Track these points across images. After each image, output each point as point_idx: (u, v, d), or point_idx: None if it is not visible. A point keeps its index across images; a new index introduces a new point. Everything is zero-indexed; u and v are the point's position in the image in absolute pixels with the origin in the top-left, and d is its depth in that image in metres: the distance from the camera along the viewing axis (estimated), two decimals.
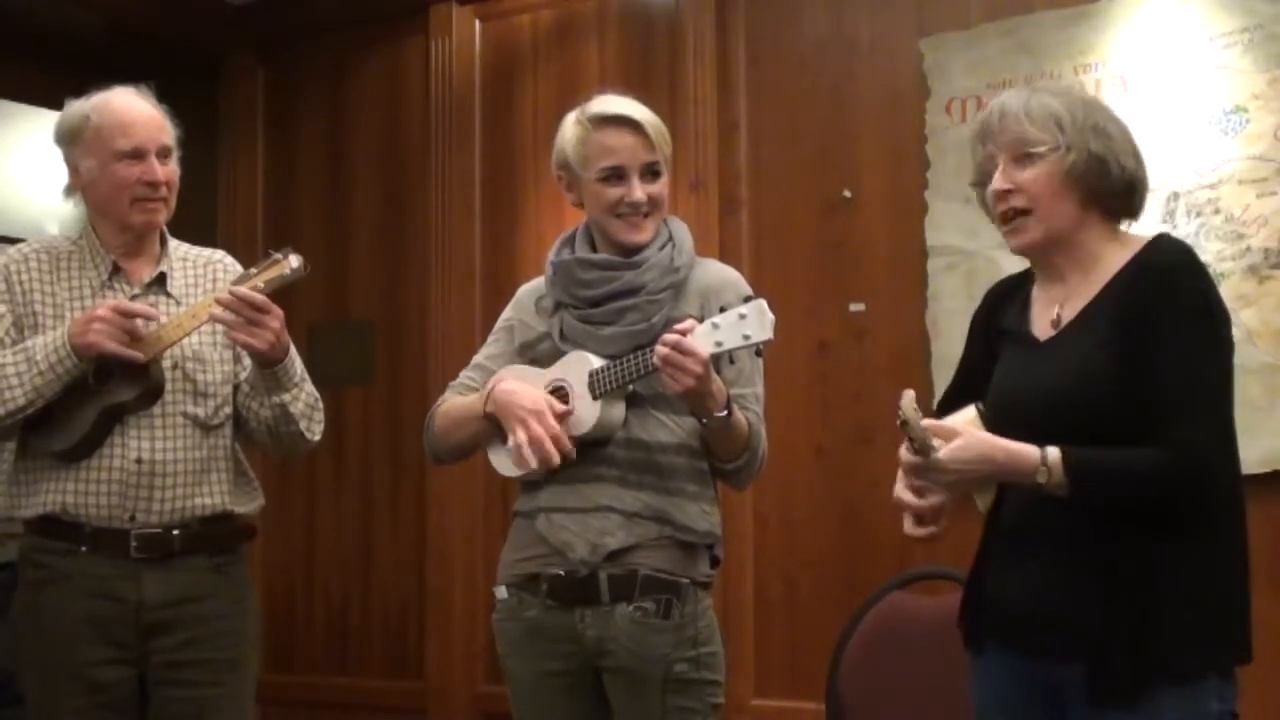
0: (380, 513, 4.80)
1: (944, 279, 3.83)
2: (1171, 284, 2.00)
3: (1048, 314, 2.13)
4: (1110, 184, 2.08)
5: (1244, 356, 2.31)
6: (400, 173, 4.84)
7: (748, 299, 2.29)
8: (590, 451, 2.43)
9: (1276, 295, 3.44)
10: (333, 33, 4.98)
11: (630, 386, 2.41)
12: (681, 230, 2.56)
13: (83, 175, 2.72)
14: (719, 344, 2.24)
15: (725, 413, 2.35)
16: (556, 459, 2.38)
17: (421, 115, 4.78)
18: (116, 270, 2.73)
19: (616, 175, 2.48)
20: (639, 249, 2.49)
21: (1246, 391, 2.81)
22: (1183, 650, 1.94)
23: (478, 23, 4.69)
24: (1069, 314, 2.10)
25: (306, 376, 2.77)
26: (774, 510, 4.07)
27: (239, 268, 2.85)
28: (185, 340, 2.65)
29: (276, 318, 2.59)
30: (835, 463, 4.00)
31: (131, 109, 2.70)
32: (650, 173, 2.49)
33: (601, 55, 4.45)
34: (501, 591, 2.52)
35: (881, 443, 3.85)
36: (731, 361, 2.38)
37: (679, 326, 2.28)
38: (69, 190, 2.77)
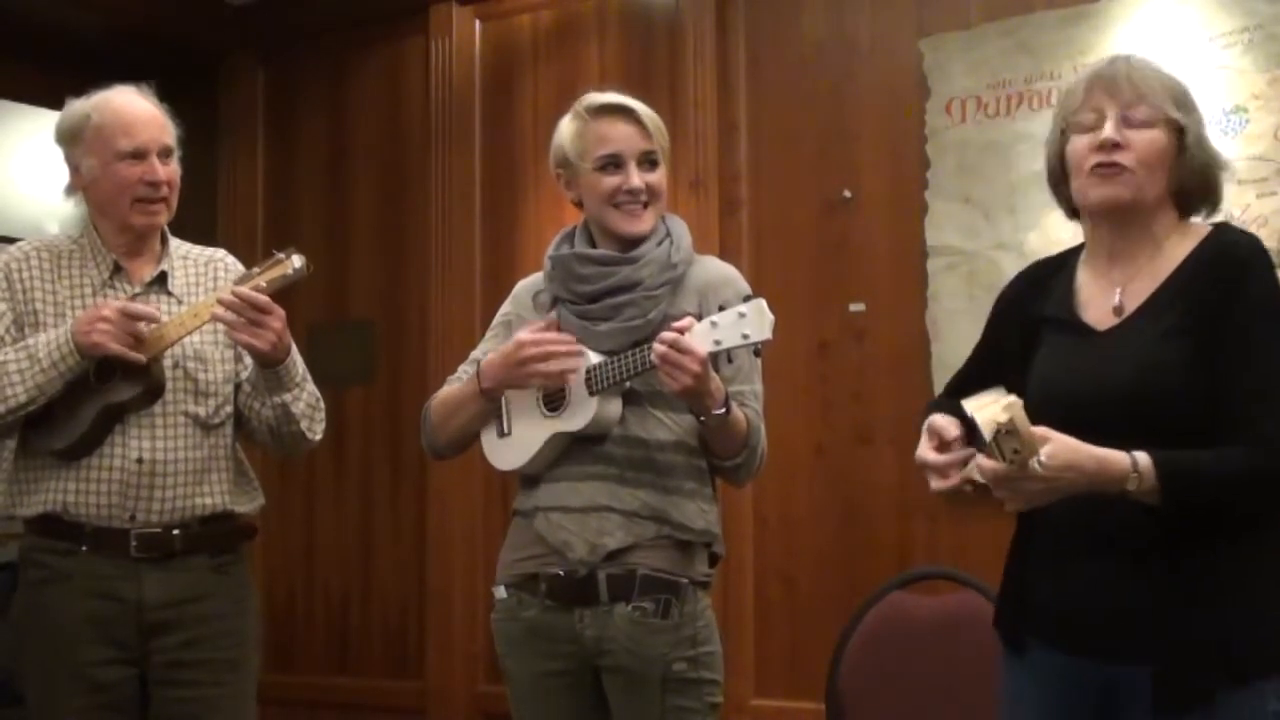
0: (380, 513, 4.80)
1: (944, 279, 3.83)
2: (1244, 275, 1.94)
3: (1104, 300, 2.04)
4: (1196, 176, 2.02)
5: None
6: (400, 173, 4.84)
7: (747, 298, 2.28)
8: (588, 449, 2.44)
9: None
10: (333, 33, 4.98)
11: (627, 383, 2.40)
12: (680, 227, 2.56)
13: (84, 175, 2.71)
14: (717, 343, 2.24)
15: (723, 410, 2.35)
16: (575, 350, 2.40)
17: (421, 115, 4.78)
18: (117, 269, 2.72)
19: (614, 163, 2.48)
20: (638, 241, 2.49)
21: None
22: (1251, 650, 1.87)
23: (478, 23, 4.69)
24: (1131, 301, 2.01)
25: (308, 376, 2.77)
26: (774, 510, 4.07)
27: (240, 266, 2.85)
28: (186, 339, 2.64)
29: (279, 318, 2.59)
30: (835, 462, 4.00)
31: (133, 108, 2.70)
32: (648, 161, 2.49)
33: (601, 55, 4.45)
34: (500, 591, 2.52)
35: (881, 442, 3.86)
36: (730, 360, 2.37)
37: (677, 325, 2.27)
38: (70, 190, 2.77)
